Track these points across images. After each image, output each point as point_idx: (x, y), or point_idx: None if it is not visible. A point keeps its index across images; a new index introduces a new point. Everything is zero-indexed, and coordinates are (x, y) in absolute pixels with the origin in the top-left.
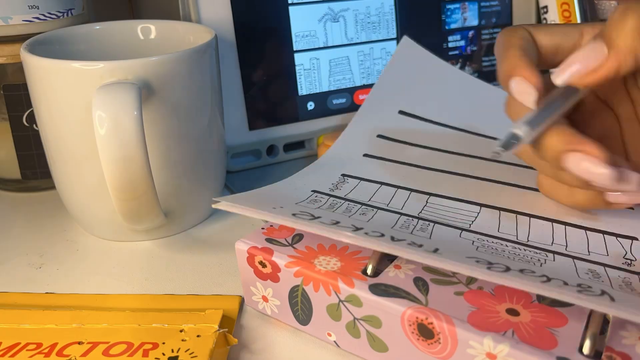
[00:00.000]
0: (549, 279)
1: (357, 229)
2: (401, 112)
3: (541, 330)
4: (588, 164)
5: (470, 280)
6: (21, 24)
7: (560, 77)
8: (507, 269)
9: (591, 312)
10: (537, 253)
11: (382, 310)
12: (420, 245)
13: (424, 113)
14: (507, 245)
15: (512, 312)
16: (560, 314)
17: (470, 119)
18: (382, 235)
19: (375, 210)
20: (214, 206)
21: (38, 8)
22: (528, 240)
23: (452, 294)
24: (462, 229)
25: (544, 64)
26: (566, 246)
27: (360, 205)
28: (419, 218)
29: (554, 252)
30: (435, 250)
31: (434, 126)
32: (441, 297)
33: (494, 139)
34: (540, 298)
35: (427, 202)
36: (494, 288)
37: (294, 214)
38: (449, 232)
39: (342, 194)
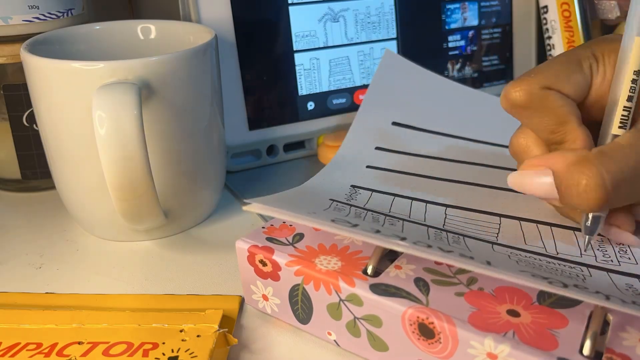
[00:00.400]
0: (607, 297)
1: (402, 238)
2: (395, 124)
3: (542, 331)
4: (622, 236)
5: (471, 281)
6: (21, 24)
7: (513, 185)
8: (565, 285)
9: (592, 314)
10: (572, 267)
11: (383, 309)
12: (471, 258)
13: (417, 122)
14: (541, 260)
15: (513, 313)
16: (560, 315)
17: (462, 126)
18: (430, 246)
19: (400, 221)
20: (244, 208)
21: (38, 8)
22: (558, 253)
23: (452, 294)
24: (492, 242)
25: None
26: (595, 257)
27: (384, 216)
28: (446, 231)
29: (587, 265)
30: (488, 263)
31: (430, 135)
32: (442, 298)
33: (491, 144)
34: (541, 299)
35: (445, 214)
36: (494, 289)
37: (333, 220)
38: (480, 245)
39: (361, 204)
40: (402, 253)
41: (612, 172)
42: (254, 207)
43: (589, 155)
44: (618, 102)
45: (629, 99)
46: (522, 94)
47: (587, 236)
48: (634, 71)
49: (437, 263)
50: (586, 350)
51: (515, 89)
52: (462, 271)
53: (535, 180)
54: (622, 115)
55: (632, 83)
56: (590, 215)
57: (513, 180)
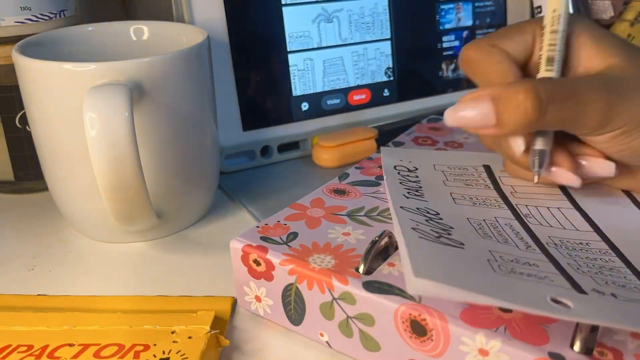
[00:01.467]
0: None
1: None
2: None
3: (533, 326)
4: (564, 175)
5: None
6: (13, 26)
7: (449, 120)
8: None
9: None
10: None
11: (376, 307)
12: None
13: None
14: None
15: (505, 308)
16: None
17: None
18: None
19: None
20: (410, 291)
21: (30, 9)
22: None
23: None
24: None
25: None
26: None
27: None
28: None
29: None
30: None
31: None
32: None
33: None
34: None
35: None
36: None
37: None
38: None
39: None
40: (395, 251)
41: (546, 85)
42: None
43: (526, 79)
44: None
45: (552, 39)
46: (471, 50)
47: (536, 170)
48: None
49: None
50: (577, 345)
51: (467, 47)
52: None
53: (473, 109)
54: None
55: (552, 23)
56: (536, 149)
57: (450, 114)
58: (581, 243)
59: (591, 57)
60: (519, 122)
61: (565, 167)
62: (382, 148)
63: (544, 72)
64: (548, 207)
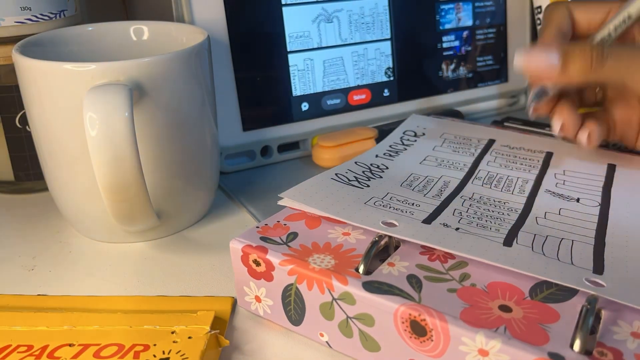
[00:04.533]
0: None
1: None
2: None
3: (533, 326)
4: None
5: (463, 277)
6: (13, 26)
7: (518, 63)
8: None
9: (583, 308)
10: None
11: (375, 307)
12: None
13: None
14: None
15: (505, 308)
16: (552, 310)
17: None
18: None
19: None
20: (279, 202)
21: (30, 9)
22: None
23: (445, 291)
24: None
25: (581, 37)
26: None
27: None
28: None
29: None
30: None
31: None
32: (434, 294)
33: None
34: (533, 294)
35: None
36: (486, 285)
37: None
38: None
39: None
40: (394, 251)
41: (606, 46)
42: (286, 201)
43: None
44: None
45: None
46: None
47: (531, 104)
48: None
49: (430, 260)
50: (577, 345)
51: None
52: (454, 267)
53: (542, 55)
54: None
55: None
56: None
57: (520, 58)
58: (499, 201)
59: None
60: (582, 70)
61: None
62: (412, 115)
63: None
64: (508, 176)
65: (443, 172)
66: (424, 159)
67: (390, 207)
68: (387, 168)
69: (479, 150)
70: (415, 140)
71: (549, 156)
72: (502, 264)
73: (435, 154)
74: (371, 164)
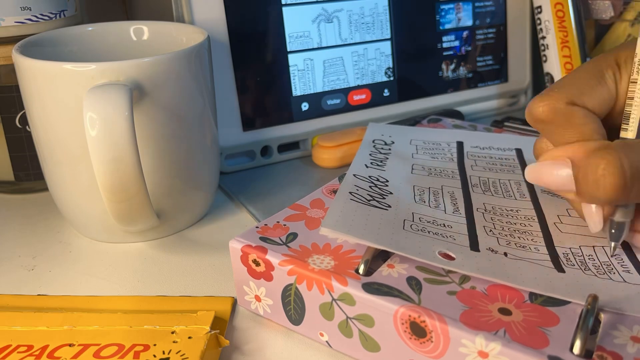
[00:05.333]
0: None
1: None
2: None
3: (533, 329)
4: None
5: (463, 279)
6: (13, 26)
7: (529, 178)
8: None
9: (583, 312)
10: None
11: (375, 308)
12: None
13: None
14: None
15: (505, 311)
16: (552, 313)
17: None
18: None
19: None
20: (320, 233)
21: (30, 9)
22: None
23: (444, 293)
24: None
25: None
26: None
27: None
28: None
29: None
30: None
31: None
32: (434, 296)
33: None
34: (533, 297)
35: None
36: (486, 288)
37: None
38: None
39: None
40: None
41: (631, 159)
42: (327, 231)
43: (610, 144)
44: (632, 106)
45: None
46: (547, 109)
47: (612, 243)
48: None
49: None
50: (577, 348)
51: (539, 105)
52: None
53: (554, 171)
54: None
55: None
56: (615, 221)
57: (531, 172)
58: (512, 210)
59: None
60: (599, 199)
61: None
62: (370, 124)
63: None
64: (499, 179)
65: (441, 182)
66: (412, 169)
67: (428, 232)
68: (387, 181)
69: (454, 155)
70: (390, 149)
71: (520, 153)
72: (574, 299)
73: (418, 162)
74: (370, 177)
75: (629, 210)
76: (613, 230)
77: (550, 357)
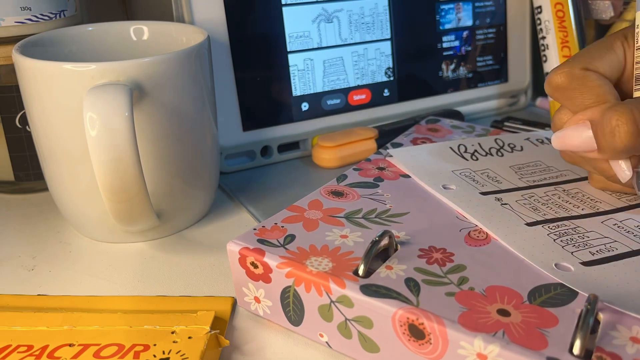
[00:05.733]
0: None
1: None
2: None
3: (532, 330)
4: None
5: (462, 281)
6: (13, 26)
7: (555, 144)
8: None
9: (582, 313)
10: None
11: (373, 310)
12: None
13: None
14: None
15: (503, 312)
16: (551, 314)
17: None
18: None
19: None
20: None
21: (30, 9)
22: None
23: (443, 294)
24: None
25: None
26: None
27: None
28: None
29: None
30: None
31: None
32: (432, 298)
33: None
34: (531, 298)
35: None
36: (485, 289)
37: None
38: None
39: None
40: (394, 253)
41: None
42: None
43: (623, 102)
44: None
45: None
46: (564, 76)
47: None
48: None
49: (428, 263)
50: (576, 349)
51: (557, 73)
52: (453, 271)
53: (576, 133)
54: None
55: None
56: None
57: (556, 138)
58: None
59: None
60: (617, 148)
61: None
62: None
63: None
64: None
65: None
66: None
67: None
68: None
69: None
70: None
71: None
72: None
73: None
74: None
75: None
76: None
77: (549, 358)
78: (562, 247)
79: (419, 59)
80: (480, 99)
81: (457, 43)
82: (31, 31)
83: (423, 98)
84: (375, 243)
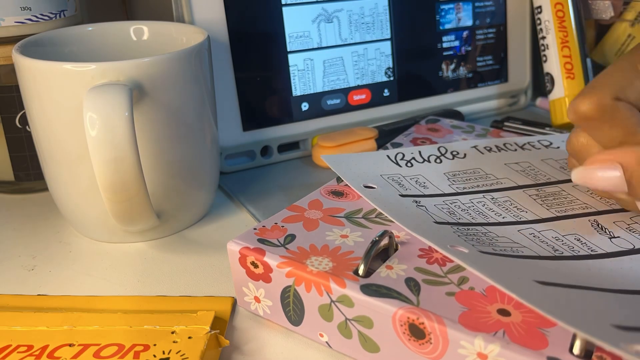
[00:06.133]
0: None
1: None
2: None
3: (532, 330)
4: None
5: (462, 280)
6: (13, 26)
7: (576, 180)
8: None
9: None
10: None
11: (374, 310)
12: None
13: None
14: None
15: (503, 312)
16: None
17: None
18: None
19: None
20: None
21: (30, 9)
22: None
23: (443, 294)
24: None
25: None
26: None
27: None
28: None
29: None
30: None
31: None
32: (432, 298)
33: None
34: None
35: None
36: (485, 288)
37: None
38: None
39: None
40: (394, 253)
41: None
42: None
43: None
44: None
45: None
46: (594, 106)
47: None
48: None
49: (428, 263)
50: (576, 349)
51: (585, 102)
52: (453, 270)
53: (604, 174)
54: None
55: None
56: None
57: (578, 175)
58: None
59: None
60: None
61: None
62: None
63: None
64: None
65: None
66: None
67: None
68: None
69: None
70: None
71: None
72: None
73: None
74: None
75: None
76: None
77: (549, 358)
78: (464, 240)
79: (419, 59)
80: (480, 99)
81: (457, 43)
82: (31, 31)
83: (423, 98)
84: (375, 243)
